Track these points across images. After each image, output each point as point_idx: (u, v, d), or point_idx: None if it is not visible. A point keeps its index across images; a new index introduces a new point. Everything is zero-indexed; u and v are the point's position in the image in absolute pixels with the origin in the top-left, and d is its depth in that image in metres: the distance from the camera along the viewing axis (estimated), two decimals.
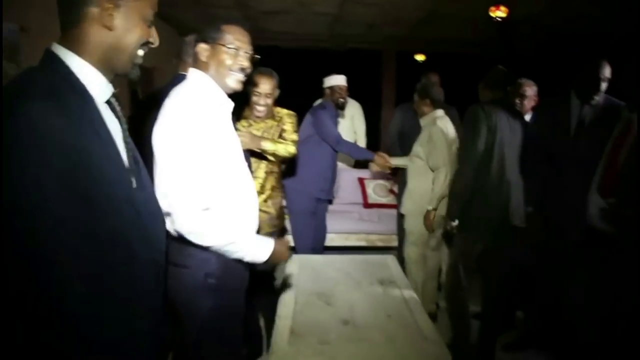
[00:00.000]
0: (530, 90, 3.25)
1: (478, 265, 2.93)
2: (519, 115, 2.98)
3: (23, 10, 2.72)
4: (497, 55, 5.97)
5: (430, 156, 3.36)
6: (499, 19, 4.51)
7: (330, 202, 4.22)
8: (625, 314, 1.98)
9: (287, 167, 3.88)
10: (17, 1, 2.72)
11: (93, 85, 1.07)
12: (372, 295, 2.40)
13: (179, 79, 1.95)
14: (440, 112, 3.46)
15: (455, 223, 2.88)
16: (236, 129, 1.87)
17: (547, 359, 2.87)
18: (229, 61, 1.65)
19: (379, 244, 4.55)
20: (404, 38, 6.50)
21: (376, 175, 5.34)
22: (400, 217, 4.04)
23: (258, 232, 2.40)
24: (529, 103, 3.26)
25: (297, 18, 5.58)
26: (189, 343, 1.65)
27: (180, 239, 1.53)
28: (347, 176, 5.21)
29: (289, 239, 2.84)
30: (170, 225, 1.50)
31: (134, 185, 1.13)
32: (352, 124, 5.21)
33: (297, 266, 2.80)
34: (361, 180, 5.26)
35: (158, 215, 1.27)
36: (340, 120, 4.86)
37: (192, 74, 1.68)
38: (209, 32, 1.66)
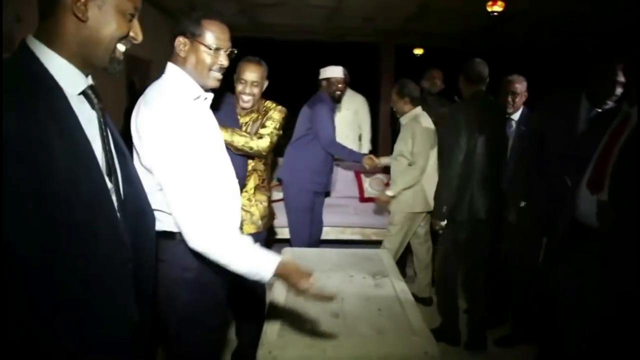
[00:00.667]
0: (521, 87, 3.23)
1: (465, 258, 3.00)
2: (500, 109, 3.09)
3: (18, 0, 2.71)
4: (491, 49, 5.97)
5: (413, 152, 3.47)
6: (495, 14, 4.51)
7: (327, 194, 4.23)
8: (616, 309, 1.99)
9: (284, 161, 3.89)
10: None
11: (64, 78, 1.05)
12: (364, 289, 2.41)
13: None
14: (419, 110, 3.59)
15: (444, 223, 2.99)
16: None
17: (538, 354, 2.89)
18: (208, 60, 1.61)
19: (374, 237, 4.56)
20: (400, 31, 6.49)
21: (373, 169, 5.34)
22: None
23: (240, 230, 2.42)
24: (520, 100, 3.25)
25: (293, 10, 5.57)
26: (170, 336, 1.65)
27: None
28: (343, 170, 5.21)
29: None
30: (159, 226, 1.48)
31: (110, 179, 1.10)
32: (356, 118, 5.15)
33: (290, 259, 2.80)
34: (358, 174, 5.26)
35: (147, 214, 1.24)
36: (345, 113, 4.86)
37: (170, 69, 1.63)
38: (188, 25, 1.60)
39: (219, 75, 1.67)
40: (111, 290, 1.09)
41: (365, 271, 2.63)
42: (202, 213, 1.46)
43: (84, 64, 1.09)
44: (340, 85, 3.76)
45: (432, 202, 3.23)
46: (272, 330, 1.95)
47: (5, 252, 0.89)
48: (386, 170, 5.09)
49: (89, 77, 1.12)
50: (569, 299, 2.25)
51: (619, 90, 2.50)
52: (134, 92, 4.54)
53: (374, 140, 5.90)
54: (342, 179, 5.22)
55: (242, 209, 2.47)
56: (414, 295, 2.68)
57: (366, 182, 5.24)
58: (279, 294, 2.28)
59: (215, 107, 2.22)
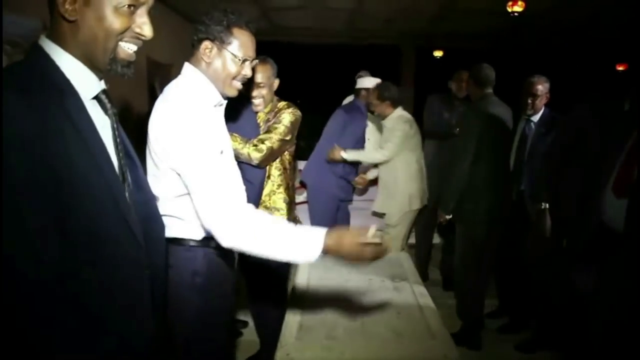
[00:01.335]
0: (543, 88, 3.15)
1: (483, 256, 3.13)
2: (507, 110, 3.17)
3: (45, 7, 2.76)
4: (512, 49, 5.90)
5: (388, 142, 3.61)
6: (515, 14, 4.45)
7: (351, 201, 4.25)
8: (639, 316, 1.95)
9: (310, 163, 3.93)
10: None
11: (79, 80, 1.00)
12: (383, 292, 2.39)
13: None
14: (400, 110, 3.71)
15: (449, 217, 3.09)
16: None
17: None
18: (234, 69, 1.58)
19: None
20: (421, 33, 6.46)
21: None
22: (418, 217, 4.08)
23: None
24: (540, 102, 3.16)
25: (313, 13, 5.58)
26: (180, 341, 1.62)
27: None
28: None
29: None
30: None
31: (123, 186, 1.07)
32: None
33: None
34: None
35: (157, 219, 1.22)
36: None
37: (188, 71, 1.60)
38: (218, 31, 1.55)
39: (239, 85, 1.64)
40: (130, 296, 1.07)
41: (384, 274, 2.62)
42: (228, 210, 1.40)
43: (92, 66, 1.03)
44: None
45: (425, 197, 3.69)
46: (290, 332, 1.95)
47: (25, 255, 0.87)
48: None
49: (102, 81, 1.08)
50: (595, 304, 2.20)
51: None
52: (155, 97, 4.60)
53: None
54: None
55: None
56: None
57: None
58: (298, 296, 2.29)
59: (235, 112, 2.24)
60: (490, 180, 2.99)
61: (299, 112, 2.52)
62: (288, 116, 2.45)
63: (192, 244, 1.55)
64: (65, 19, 0.97)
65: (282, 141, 2.42)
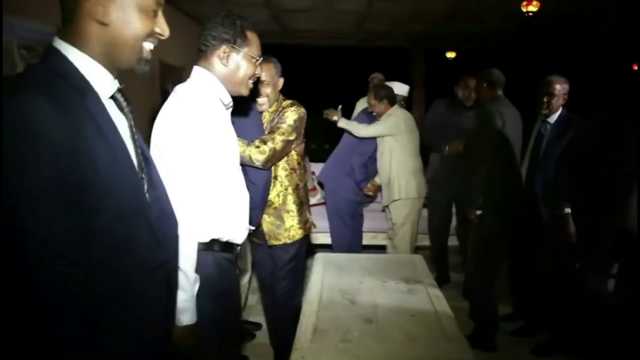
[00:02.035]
0: (560, 88, 3.08)
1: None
2: (517, 112, 3.23)
3: (59, 11, 2.79)
4: (525, 50, 5.86)
5: (378, 123, 3.74)
6: (530, 14, 4.41)
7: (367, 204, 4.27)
8: None
9: (329, 164, 3.94)
10: (54, 1, 2.79)
11: (96, 80, 1.02)
12: (397, 294, 2.38)
13: None
14: (396, 108, 3.81)
15: (479, 212, 3.11)
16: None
17: None
18: (251, 70, 1.67)
19: None
20: (430, 35, 6.43)
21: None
22: (433, 217, 4.07)
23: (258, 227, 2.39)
24: (557, 102, 3.10)
25: (323, 16, 5.58)
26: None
27: None
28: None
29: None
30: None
31: (143, 184, 1.08)
32: None
33: (322, 264, 2.80)
34: None
35: (170, 216, 1.22)
36: None
37: (200, 74, 1.65)
38: (235, 35, 1.62)
39: (251, 84, 1.72)
40: (149, 293, 1.08)
41: (398, 277, 2.61)
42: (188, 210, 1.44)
43: (112, 66, 1.06)
44: (403, 103, 3.98)
45: (423, 189, 3.83)
46: (304, 335, 1.95)
47: (48, 252, 0.87)
48: None
49: (116, 80, 1.09)
50: (612, 308, 2.17)
51: None
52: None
53: None
54: None
55: (269, 219, 2.48)
56: None
57: None
58: (312, 299, 2.29)
59: (240, 115, 2.23)
60: (502, 178, 3.04)
61: (303, 110, 2.47)
62: (291, 114, 2.41)
63: (201, 247, 1.54)
64: (99, 21, 1.00)
65: (286, 141, 2.36)
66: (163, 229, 1.14)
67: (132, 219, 1.02)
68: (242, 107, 2.23)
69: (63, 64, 0.99)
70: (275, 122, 2.42)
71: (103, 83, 1.04)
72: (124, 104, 1.10)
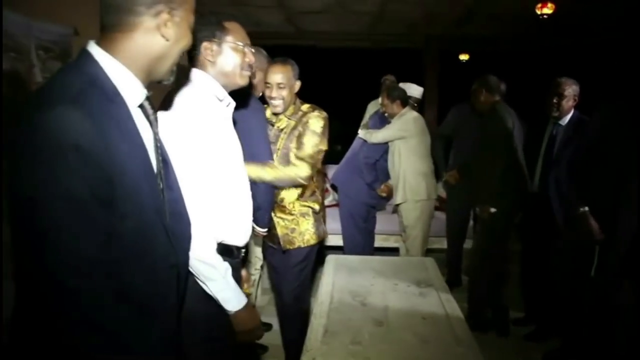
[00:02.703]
0: (570, 90, 3.08)
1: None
2: (514, 114, 3.33)
3: (76, 13, 2.83)
4: (540, 52, 5.81)
5: (389, 128, 3.79)
6: (545, 16, 4.38)
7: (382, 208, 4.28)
8: None
9: (342, 167, 3.95)
10: (70, 3, 2.81)
11: (127, 89, 1.04)
12: (408, 297, 2.37)
13: None
14: (407, 110, 3.84)
15: (493, 210, 3.19)
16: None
17: None
18: (239, 59, 1.63)
19: None
20: (444, 37, 6.40)
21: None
22: (450, 220, 4.06)
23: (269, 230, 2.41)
24: (567, 103, 3.09)
25: (337, 17, 5.59)
26: (187, 349, 1.55)
27: None
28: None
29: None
30: None
31: (160, 187, 1.11)
32: None
33: (334, 266, 2.80)
34: None
35: (183, 216, 1.25)
36: None
37: (198, 76, 1.62)
38: (212, 30, 1.60)
39: (248, 73, 1.68)
40: (164, 294, 1.12)
41: (410, 279, 2.60)
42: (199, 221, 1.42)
43: (147, 77, 1.09)
44: (415, 105, 4.00)
45: (433, 191, 3.84)
46: (315, 336, 1.95)
47: (75, 254, 0.91)
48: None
49: (145, 89, 1.12)
50: (627, 316, 2.14)
51: None
52: None
53: None
54: None
55: (284, 223, 2.46)
56: None
57: None
58: (323, 300, 2.29)
59: (243, 114, 2.19)
60: (509, 177, 3.16)
61: (325, 114, 2.46)
62: (317, 122, 2.39)
63: None
64: (164, 37, 1.05)
65: (319, 151, 2.40)
66: (176, 229, 1.16)
67: (152, 224, 1.05)
68: (244, 105, 2.19)
69: (97, 72, 1.01)
70: (298, 129, 2.38)
71: (134, 92, 1.06)
72: (150, 111, 1.12)
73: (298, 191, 2.45)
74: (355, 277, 2.62)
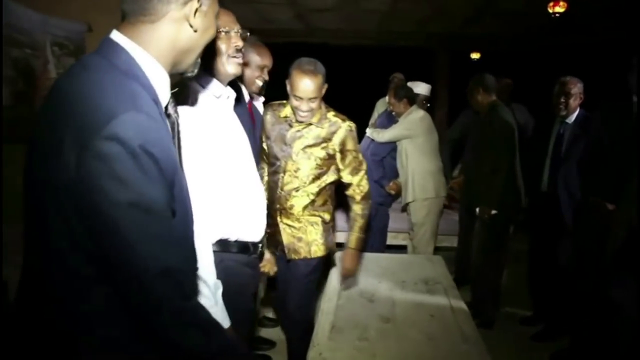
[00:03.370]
0: (575, 89, 3.10)
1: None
2: (512, 114, 3.41)
3: (89, 9, 2.86)
4: (551, 51, 5.77)
5: (396, 127, 3.79)
6: (557, 15, 4.36)
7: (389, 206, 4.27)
8: None
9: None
10: (89, 2, 2.84)
11: (158, 84, 1.00)
12: (416, 295, 2.39)
13: None
14: (414, 109, 3.83)
15: (494, 212, 3.22)
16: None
17: None
18: (223, 46, 1.53)
19: None
20: (455, 35, 6.39)
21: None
22: (464, 218, 4.06)
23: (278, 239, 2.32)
24: (574, 102, 3.12)
25: (347, 15, 5.59)
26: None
27: None
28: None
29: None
30: None
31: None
32: None
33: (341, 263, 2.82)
34: None
35: (191, 215, 1.24)
36: None
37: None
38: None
39: (239, 60, 1.58)
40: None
41: (417, 277, 2.62)
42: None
43: (172, 69, 1.04)
44: (424, 102, 4.00)
45: (442, 189, 3.85)
46: (323, 332, 1.97)
47: (138, 259, 0.88)
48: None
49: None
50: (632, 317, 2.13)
51: None
52: None
53: None
54: None
55: (290, 231, 2.31)
56: None
57: None
58: (330, 297, 2.31)
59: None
60: (510, 176, 3.22)
61: (354, 125, 2.34)
62: (348, 135, 2.30)
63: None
64: (191, 26, 1.00)
65: (361, 161, 2.41)
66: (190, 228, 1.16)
67: (188, 222, 1.06)
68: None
69: (136, 70, 0.96)
70: (326, 143, 2.28)
71: (163, 87, 1.02)
72: (172, 109, 1.09)
73: (309, 199, 2.29)
74: (363, 274, 2.64)
